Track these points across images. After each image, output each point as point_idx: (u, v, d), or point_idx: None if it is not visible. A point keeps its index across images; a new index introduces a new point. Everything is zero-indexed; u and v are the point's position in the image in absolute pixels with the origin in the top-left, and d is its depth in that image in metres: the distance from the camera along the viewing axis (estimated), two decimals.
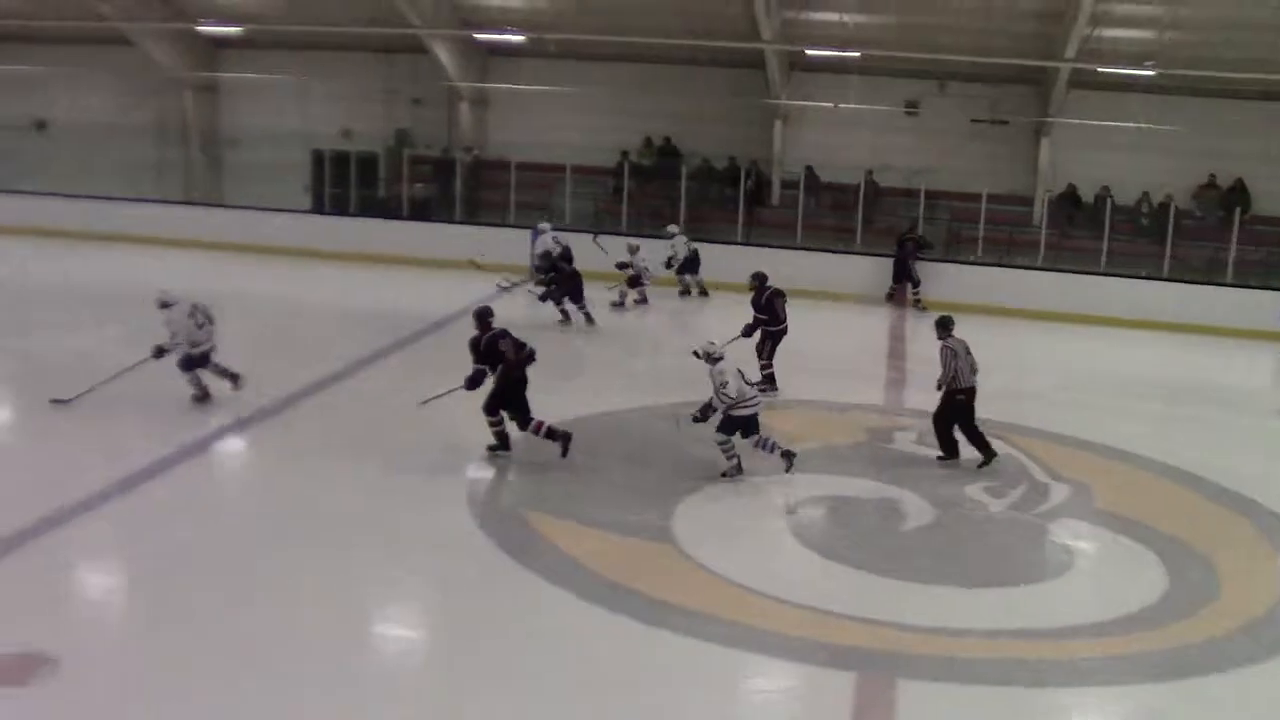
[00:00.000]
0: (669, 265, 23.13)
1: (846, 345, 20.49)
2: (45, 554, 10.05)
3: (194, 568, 9.90)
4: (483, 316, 13.16)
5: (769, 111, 26.70)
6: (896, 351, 20.19)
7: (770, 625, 9.31)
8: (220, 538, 10.65)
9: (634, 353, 19.54)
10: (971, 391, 13.14)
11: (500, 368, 12.89)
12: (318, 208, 28.61)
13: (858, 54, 23.93)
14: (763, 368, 16.11)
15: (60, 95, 31.01)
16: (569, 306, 20.11)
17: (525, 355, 12.96)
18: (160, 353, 13.89)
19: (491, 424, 13.03)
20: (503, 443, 13.09)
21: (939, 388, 13.23)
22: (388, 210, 28.42)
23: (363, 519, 11.26)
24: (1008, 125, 26.13)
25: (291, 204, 28.06)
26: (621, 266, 22.18)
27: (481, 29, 27.08)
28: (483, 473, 12.74)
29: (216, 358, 14.14)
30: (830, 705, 8.28)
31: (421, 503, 11.75)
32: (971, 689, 8.50)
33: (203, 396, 14.26)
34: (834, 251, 25.11)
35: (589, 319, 20.02)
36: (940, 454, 13.37)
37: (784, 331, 16.30)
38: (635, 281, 22.19)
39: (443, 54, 27.74)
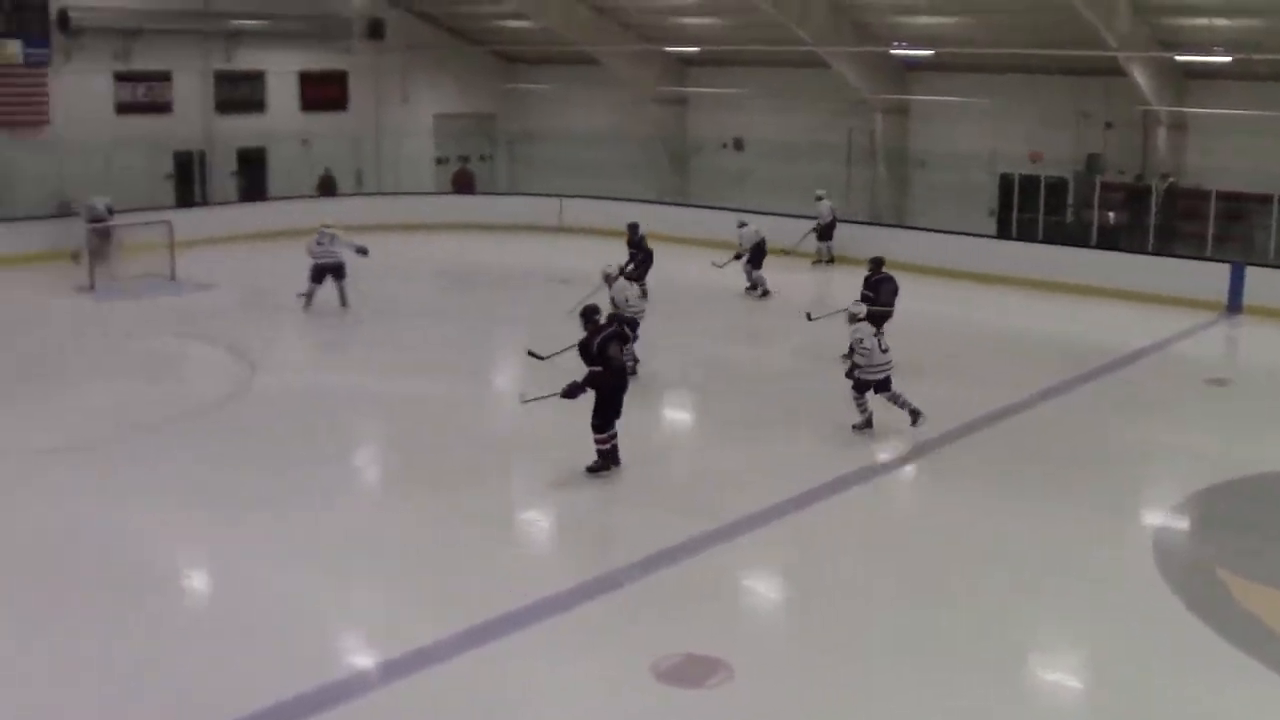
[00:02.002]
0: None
1: None
2: (716, 563, 11.56)
3: (859, 591, 11.09)
4: (589, 315, 13.00)
5: None
6: None
7: None
8: (888, 565, 11.71)
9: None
10: None
11: (603, 374, 12.71)
12: (1003, 232, 29.66)
13: None
14: None
15: (758, 115, 34.53)
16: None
17: (627, 362, 12.99)
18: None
19: (606, 439, 12.94)
20: (609, 458, 12.96)
21: None
22: (1075, 237, 28.86)
23: (1041, 554, 11.85)
24: None
25: (976, 227, 29.28)
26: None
27: (1182, 50, 27.07)
28: (1170, 520, 13.00)
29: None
30: None
31: (1102, 542, 12.21)
32: None
33: None
34: None
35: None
36: None
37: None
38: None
39: (1139, 76, 27.82)
